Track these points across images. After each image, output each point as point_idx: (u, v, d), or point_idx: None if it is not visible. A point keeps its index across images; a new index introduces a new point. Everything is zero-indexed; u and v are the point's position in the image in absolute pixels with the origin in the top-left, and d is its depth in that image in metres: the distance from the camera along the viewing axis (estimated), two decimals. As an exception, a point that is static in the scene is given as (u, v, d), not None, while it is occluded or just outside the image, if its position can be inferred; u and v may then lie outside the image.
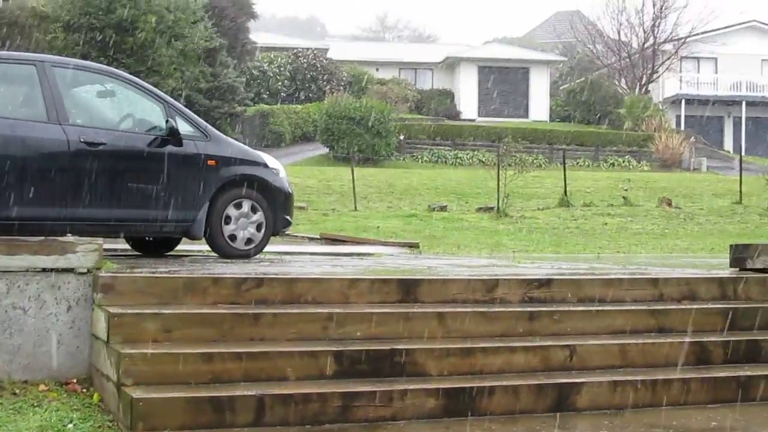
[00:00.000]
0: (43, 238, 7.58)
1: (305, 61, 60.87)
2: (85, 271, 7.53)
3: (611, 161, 53.09)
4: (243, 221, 11.55)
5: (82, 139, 10.40)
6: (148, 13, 33.63)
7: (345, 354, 7.10)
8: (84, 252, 7.54)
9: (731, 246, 10.06)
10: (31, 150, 10.17)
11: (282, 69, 59.81)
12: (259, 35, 57.71)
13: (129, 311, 7.13)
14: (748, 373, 7.96)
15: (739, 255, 9.76)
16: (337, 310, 7.60)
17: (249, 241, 11.62)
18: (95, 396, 7.09)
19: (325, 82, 60.22)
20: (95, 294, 7.44)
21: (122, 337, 6.95)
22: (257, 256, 11.77)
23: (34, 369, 7.35)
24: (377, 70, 67.08)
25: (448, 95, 67.20)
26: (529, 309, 8.21)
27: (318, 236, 19.86)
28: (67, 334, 7.45)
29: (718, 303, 9.02)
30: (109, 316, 7.03)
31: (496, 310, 8.12)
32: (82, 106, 11.17)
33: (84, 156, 10.39)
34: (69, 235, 8.24)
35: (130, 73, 13.41)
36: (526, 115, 66.40)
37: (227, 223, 11.45)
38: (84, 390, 7.24)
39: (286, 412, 6.52)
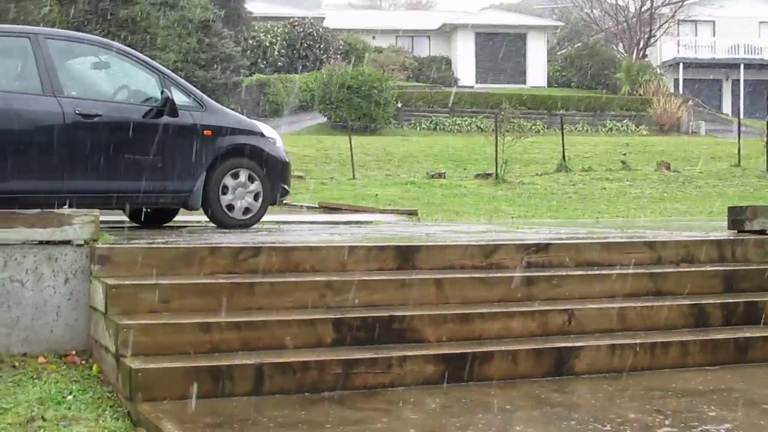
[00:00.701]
0: (39, 210, 7.56)
1: (301, 30, 60.66)
2: (82, 243, 7.52)
3: (609, 126, 53.05)
4: (240, 191, 11.54)
5: (77, 111, 10.37)
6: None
7: (343, 321, 7.10)
8: (81, 224, 7.53)
9: (729, 208, 10.05)
10: (27, 123, 10.13)
11: (278, 39, 59.62)
12: (255, 5, 57.56)
13: (126, 282, 7.13)
14: (747, 334, 7.97)
15: (737, 217, 9.76)
16: (335, 278, 7.60)
17: (246, 210, 11.60)
18: (94, 367, 7.09)
19: (321, 52, 60.04)
20: (92, 266, 7.43)
21: (120, 308, 6.94)
22: (255, 226, 11.75)
23: (32, 342, 7.35)
24: (374, 38, 66.89)
25: (446, 62, 67.02)
26: (527, 274, 8.20)
27: (316, 205, 19.86)
28: (65, 306, 7.45)
29: (717, 265, 9.02)
30: (106, 287, 7.02)
31: (495, 275, 8.12)
32: (76, 78, 11.13)
33: (79, 128, 10.36)
34: (65, 207, 8.20)
35: (125, 45, 13.35)
36: (523, 81, 66.25)
37: (224, 193, 11.43)
38: (83, 362, 7.24)
39: (284, 381, 6.52)
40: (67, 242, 7.49)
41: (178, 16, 35.86)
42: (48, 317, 7.40)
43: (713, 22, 67.02)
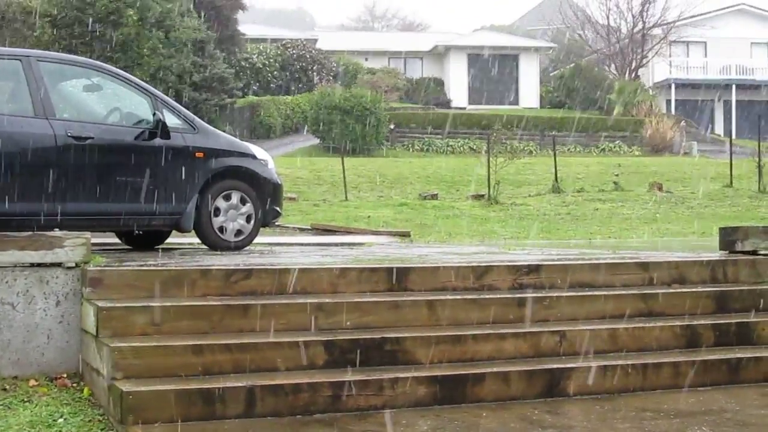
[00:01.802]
0: (30, 233, 7.56)
1: (294, 52, 60.80)
2: (74, 265, 7.51)
3: (602, 147, 53.14)
4: (232, 213, 11.54)
5: (69, 134, 10.37)
6: (131, 6, 33.57)
7: (335, 343, 7.10)
8: (72, 246, 7.52)
9: (720, 229, 10.07)
10: (18, 145, 10.12)
11: (271, 60, 59.72)
12: (248, 27, 57.72)
13: (118, 305, 7.12)
14: (739, 355, 7.97)
15: (729, 238, 9.77)
16: (327, 300, 7.59)
17: (239, 232, 11.60)
18: (85, 390, 7.08)
19: (314, 73, 60.18)
20: (84, 288, 7.42)
21: (111, 330, 6.93)
22: (247, 248, 11.75)
23: (23, 364, 7.33)
24: (366, 59, 67.04)
25: (438, 84, 67.16)
26: (518, 295, 8.21)
27: (308, 227, 19.84)
28: (57, 328, 7.44)
29: (708, 286, 9.02)
30: (98, 310, 7.01)
31: (486, 297, 8.12)
32: (68, 100, 11.15)
33: (71, 150, 10.36)
34: (57, 229, 8.20)
35: (117, 67, 13.38)
36: (516, 102, 66.39)
37: (216, 215, 11.43)
38: (74, 384, 7.23)
39: (276, 403, 6.51)
40: (59, 265, 7.48)
41: (171, 37, 35.88)
42: (39, 340, 7.38)
43: (705, 43, 67.24)
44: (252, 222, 11.69)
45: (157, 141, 10.95)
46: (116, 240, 12.53)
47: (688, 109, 64.80)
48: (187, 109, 12.08)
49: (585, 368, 7.36)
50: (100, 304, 7.07)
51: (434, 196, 28.97)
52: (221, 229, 11.48)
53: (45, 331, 7.41)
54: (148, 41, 34.51)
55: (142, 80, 12.28)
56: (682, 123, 56.66)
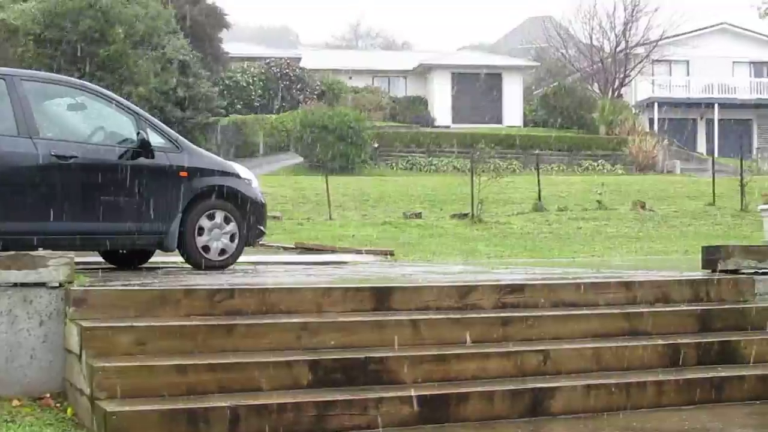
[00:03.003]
0: (13, 252, 7.54)
1: (278, 70, 60.81)
2: (57, 285, 7.50)
3: (585, 165, 53.24)
4: (216, 232, 11.54)
5: (53, 153, 10.37)
6: (115, 24, 33.56)
7: (319, 363, 7.10)
8: (55, 266, 7.51)
9: (703, 248, 10.10)
10: (2, 164, 10.12)
11: (255, 79, 59.74)
12: (232, 45, 57.69)
13: (101, 324, 7.11)
14: (722, 374, 8.00)
15: (711, 257, 9.80)
16: (311, 320, 7.59)
17: (222, 252, 11.60)
18: (69, 410, 7.06)
19: (298, 92, 60.18)
20: (67, 308, 7.41)
21: (95, 350, 6.92)
22: (231, 267, 11.74)
23: (6, 384, 7.31)
24: (350, 78, 67.06)
25: (422, 102, 67.21)
26: (502, 314, 8.22)
27: (293, 246, 19.84)
28: (40, 348, 7.42)
29: (691, 305, 9.04)
30: (81, 329, 7.00)
31: (470, 316, 8.13)
32: (52, 119, 11.15)
33: (55, 169, 10.36)
34: (41, 249, 8.18)
35: (102, 85, 13.38)
36: (500, 120, 66.43)
37: (200, 234, 11.43)
38: (58, 405, 7.21)
39: (260, 423, 6.51)
40: (42, 284, 7.46)
41: (155, 56, 35.89)
42: (22, 360, 7.37)
43: (687, 62, 67.49)
44: (236, 241, 11.69)
45: (141, 160, 10.96)
46: (100, 259, 12.51)
47: (671, 127, 64.95)
48: (171, 127, 12.11)
49: (569, 387, 7.38)
50: (84, 323, 7.07)
51: (418, 215, 28.99)
52: (205, 248, 11.48)
53: (28, 351, 7.39)
54: (133, 60, 34.50)
55: (127, 99, 12.27)
56: (665, 141, 56.83)
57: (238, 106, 57.59)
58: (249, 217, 11.85)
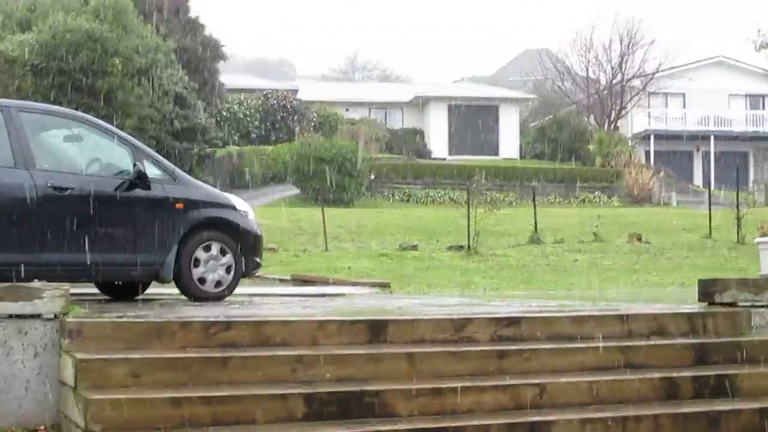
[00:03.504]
0: (9, 284, 7.54)
1: (275, 102, 60.93)
2: (52, 316, 7.49)
3: (582, 197, 53.28)
4: (212, 264, 11.52)
5: (49, 184, 10.38)
6: (116, 54, 33.61)
7: (314, 396, 7.09)
8: (51, 297, 7.50)
9: (699, 281, 10.09)
10: (-1, 195, 10.13)
11: (252, 110, 59.84)
12: (229, 77, 57.80)
13: (96, 356, 7.10)
14: (718, 408, 7.98)
15: (707, 290, 9.79)
16: (306, 352, 7.58)
17: (218, 283, 11.59)
18: (63, 443, 7.04)
19: (295, 123, 60.26)
20: (62, 339, 7.40)
21: (90, 382, 6.90)
22: (227, 299, 11.72)
23: (1, 415, 7.29)
24: (347, 110, 67.20)
25: (419, 134, 67.34)
26: (498, 348, 8.21)
27: (289, 277, 19.81)
28: (35, 380, 7.40)
29: (687, 338, 9.03)
30: (76, 361, 6.99)
31: (466, 349, 8.12)
32: (49, 150, 11.16)
33: (52, 201, 10.37)
34: (36, 280, 8.17)
35: (99, 117, 13.40)
36: (496, 152, 66.56)
37: (196, 265, 11.42)
38: (52, 437, 7.19)
39: (255, 456, 6.49)
40: (37, 316, 7.46)
41: (152, 87, 35.94)
42: (17, 391, 7.35)
43: (683, 94, 67.66)
44: (232, 273, 11.68)
45: (138, 192, 10.97)
46: (96, 290, 12.49)
47: (667, 159, 65.08)
48: (168, 158, 12.11)
49: (565, 421, 7.37)
50: (79, 355, 7.05)
51: (414, 247, 28.94)
52: (201, 279, 11.47)
53: (23, 383, 7.37)
54: (131, 91, 34.54)
55: (124, 131, 12.28)
56: (662, 174, 56.90)
57: (235, 138, 57.68)
58: (245, 248, 11.85)
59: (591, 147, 60.30)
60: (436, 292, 16.99)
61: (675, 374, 8.31)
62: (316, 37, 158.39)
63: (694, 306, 9.94)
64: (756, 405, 8.10)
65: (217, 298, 11.53)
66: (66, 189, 10.47)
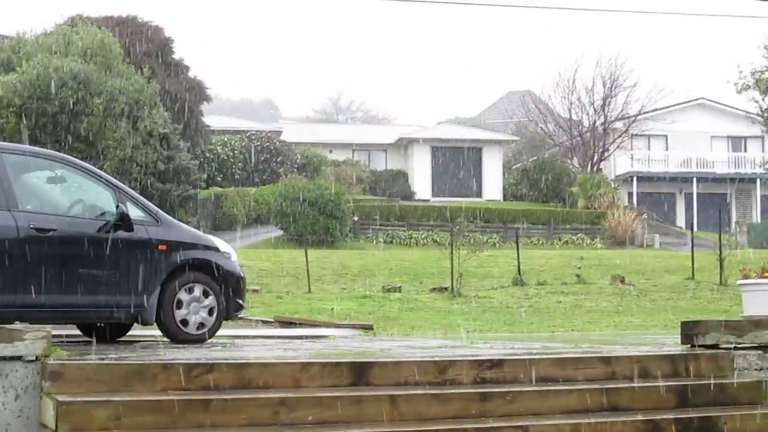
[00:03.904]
0: (-10, 326, 7.50)
1: (259, 143, 60.99)
2: (34, 358, 7.45)
3: (565, 239, 53.32)
4: (195, 306, 11.51)
5: (31, 225, 10.37)
6: (100, 95, 33.64)
7: (297, 439, 7.06)
8: (32, 339, 7.47)
9: (682, 323, 10.11)
10: (-20, 237, 10.11)
11: (236, 152, 59.87)
12: (213, 118, 57.89)
13: (78, 399, 7.06)
14: (701, 450, 7.97)
15: (690, 332, 9.80)
16: (289, 395, 7.56)
17: (201, 325, 11.57)
18: (43, 486, 7.00)
19: (278, 164, 60.30)
20: (44, 382, 7.36)
21: (70, 425, 6.87)
22: (209, 341, 11.70)
23: (-19, 459, 7.25)
24: (331, 151, 67.34)
25: (402, 176, 67.47)
26: (481, 390, 8.19)
27: (272, 319, 19.77)
28: (15, 423, 7.36)
29: (670, 380, 9.03)
30: (57, 404, 6.95)
31: (449, 391, 8.10)
32: (31, 192, 11.15)
33: (34, 242, 10.36)
34: (17, 322, 8.14)
35: (81, 158, 13.40)
36: (479, 194, 66.70)
37: (179, 307, 11.41)
38: (32, 480, 7.14)
39: (237, 500, 6.46)
40: (18, 358, 7.42)
41: (136, 128, 35.96)
42: (-3, 434, 7.31)
43: (666, 136, 67.95)
44: (214, 315, 11.67)
45: (120, 233, 10.97)
46: (77, 331, 12.45)
47: (650, 201, 65.30)
48: (151, 199, 12.12)
49: (548, 464, 7.35)
50: (60, 398, 7.02)
51: (398, 289, 28.92)
52: (183, 321, 11.45)
53: (3, 426, 7.32)
54: (114, 132, 34.55)
55: (107, 172, 12.30)
56: (644, 215, 57.03)
57: (219, 179, 57.65)
58: (228, 290, 11.84)
59: (574, 189, 60.43)
60: (419, 334, 16.98)
61: (658, 416, 8.30)
62: (300, 79, 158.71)
63: (677, 348, 9.95)
64: (739, 447, 8.10)
65: (200, 340, 11.51)
66: (48, 230, 10.46)
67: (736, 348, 9.55)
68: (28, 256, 10.32)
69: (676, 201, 68.14)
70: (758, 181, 66.33)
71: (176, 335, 11.45)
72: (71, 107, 33.47)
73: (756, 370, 9.50)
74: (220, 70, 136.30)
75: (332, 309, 23.42)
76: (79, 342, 11.62)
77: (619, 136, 66.52)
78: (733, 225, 59.84)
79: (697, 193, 65.57)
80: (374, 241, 50.56)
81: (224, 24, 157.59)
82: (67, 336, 11.94)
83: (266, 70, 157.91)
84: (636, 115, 66.03)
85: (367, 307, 24.47)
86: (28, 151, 11.64)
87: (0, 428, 7.31)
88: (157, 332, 11.95)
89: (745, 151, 69.10)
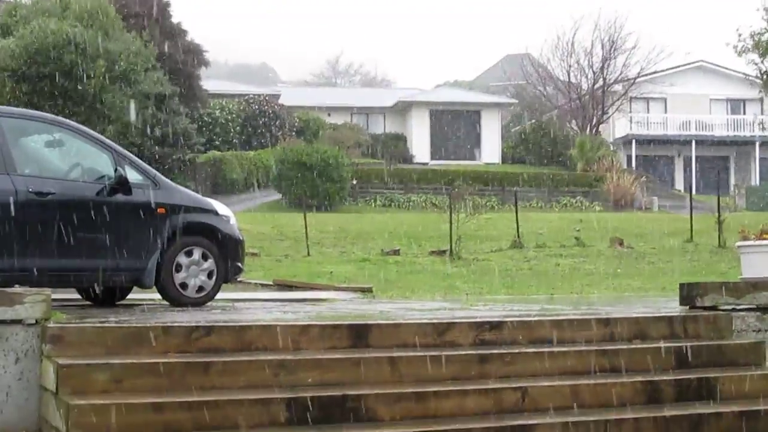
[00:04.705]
0: (-11, 290, 7.51)
1: (257, 107, 60.87)
2: (34, 322, 7.47)
3: (564, 202, 53.31)
4: (194, 269, 11.51)
5: (30, 189, 10.35)
6: (98, 59, 33.51)
7: (296, 401, 7.08)
8: (32, 303, 7.48)
9: (681, 285, 10.12)
10: (-21, 201, 10.10)
11: (234, 116, 59.76)
12: (211, 82, 57.69)
13: (78, 362, 7.08)
14: (700, 411, 8.00)
15: (688, 294, 9.82)
16: (288, 357, 7.57)
17: (200, 288, 11.57)
18: (44, 448, 7.02)
19: (277, 128, 60.21)
20: (44, 345, 7.38)
21: (71, 388, 6.88)
22: (209, 304, 11.71)
23: (-19, 422, 7.27)
24: (329, 115, 67.22)
25: (401, 139, 67.41)
26: (480, 352, 8.21)
27: (271, 282, 19.79)
28: (16, 386, 7.38)
29: (669, 342, 9.05)
30: (57, 367, 6.97)
31: (448, 353, 8.12)
32: (30, 156, 11.13)
33: (32, 206, 10.34)
34: (17, 285, 8.15)
35: (80, 122, 13.37)
36: (478, 157, 66.67)
37: (178, 271, 11.40)
38: (33, 442, 7.17)
39: (237, 461, 6.48)
40: (18, 321, 7.43)
41: (134, 91, 35.85)
42: (-2, 397, 7.33)
43: (665, 99, 67.84)
44: (214, 278, 11.67)
45: (119, 197, 10.95)
46: (77, 295, 12.46)
47: (648, 164, 65.32)
48: (150, 164, 12.09)
49: (547, 425, 7.38)
50: (60, 361, 7.03)
51: (396, 252, 28.91)
52: (183, 285, 11.45)
53: (4, 388, 7.34)
54: (111, 95, 34.43)
55: (107, 136, 12.26)
56: (643, 178, 57.00)
57: (217, 143, 57.56)
58: (227, 254, 11.84)
59: (573, 152, 60.35)
60: (418, 297, 16.99)
61: (656, 378, 8.33)
62: (298, 42, 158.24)
63: (675, 310, 9.97)
64: (737, 408, 8.12)
65: (199, 303, 11.52)
66: (47, 194, 10.45)
67: (734, 310, 9.57)
68: (27, 220, 10.31)
69: (674, 164, 68.12)
70: (757, 144, 66.32)
71: (175, 298, 11.45)
72: (70, 71, 33.33)
73: (754, 331, 9.52)
74: (217, 34, 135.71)
75: (331, 272, 23.44)
76: (78, 306, 11.64)
77: (618, 99, 66.41)
78: (731, 188, 59.89)
79: (696, 156, 65.57)
80: (373, 205, 50.57)
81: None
82: (67, 300, 11.97)
83: (263, 34, 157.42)
84: (635, 78, 65.90)
85: (366, 270, 24.48)
86: (26, 115, 11.57)
87: (1, 391, 7.33)
88: (157, 296, 11.95)
89: (744, 113, 68.96)
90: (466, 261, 26.96)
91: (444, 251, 28.47)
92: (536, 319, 9.10)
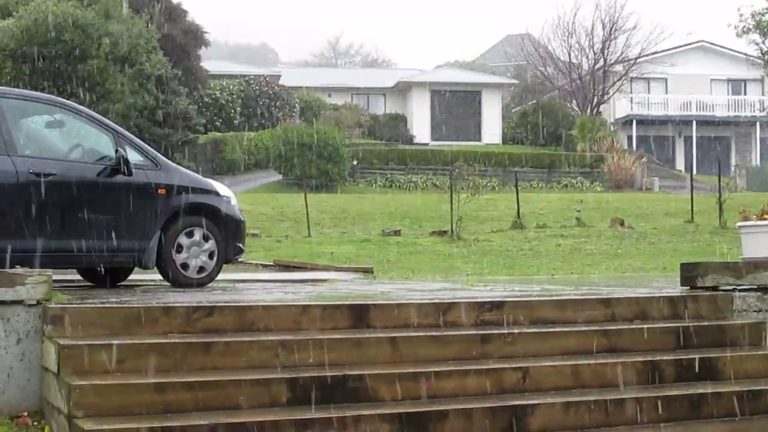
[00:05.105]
0: (-9, 270, 7.52)
1: (257, 88, 60.77)
2: (35, 302, 7.48)
3: (564, 182, 53.28)
4: (195, 249, 11.52)
5: (31, 170, 10.35)
6: (102, 37, 33.45)
7: (297, 381, 7.09)
8: (33, 284, 7.49)
9: (681, 265, 10.12)
10: (-21, 182, 10.10)
11: (234, 96, 59.66)
12: (211, 63, 57.61)
13: (79, 342, 7.08)
14: (700, 390, 8.01)
15: (689, 274, 9.82)
16: (289, 337, 7.58)
17: (201, 269, 11.58)
18: (46, 429, 7.04)
19: (277, 109, 60.13)
20: (45, 326, 7.39)
21: (73, 368, 6.89)
22: (210, 285, 11.72)
23: (-17, 402, 7.28)
24: (329, 95, 67.13)
25: (401, 120, 67.33)
26: (481, 332, 8.22)
27: (271, 263, 19.81)
28: (17, 366, 7.39)
29: (670, 322, 9.06)
30: (59, 347, 6.98)
31: (449, 333, 8.13)
32: (30, 136, 11.12)
33: (33, 187, 10.33)
34: (18, 266, 8.15)
35: (80, 103, 13.35)
36: (479, 138, 66.60)
37: (179, 251, 11.41)
38: (35, 423, 7.18)
39: (239, 441, 6.49)
40: (20, 302, 7.44)
41: (134, 71, 35.82)
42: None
43: (665, 79, 67.74)
44: (215, 259, 11.68)
45: (120, 178, 10.94)
46: (78, 276, 12.47)
47: (649, 144, 65.23)
48: (150, 144, 12.08)
49: (548, 405, 7.39)
50: (62, 341, 7.04)
51: (397, 233, 28.93)
52: (184, 265, 11.46)
53: (5, 369, 7.36)
54: (115, 78, 34.41)
55: (109, 117, 12.25)
56: (644, 159, 56.94)
57: (217, 124, 57.48)
58: (228, 234, 11.85)
59: (573, 132, 60.25)
60: (419, 277, 17.01)
61: (657, 358, 8.34)
62: (298, 23, 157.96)
63: (676, 290, 9.98)
64: (737, 388, 8.13)
65: (200, 284, 11.53)
66: (48, 175, 10.44)
67: (735, 290, 9.58)
68: (27, 201, 10.31)
69: (675, 144, 68.05)
70: (758, 124, 66.27)
71: (177, 279, 11.46)
72: (71, 52, 33.29)
73: (755, 311, 9.53)
74: (217, 14, 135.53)
75: (332, 253, 23.47)
76: (80, 287, 11.66)
77: (619, 80, 66.29)
78: (732, 168, 59.81)
79: (697, 137, 65.51)
80: (373, 185, 50.55)
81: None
82: (69, 281, 11.98)
83: (263, 14, 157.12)
84: (636, 58, 65.76)
85: (367, 250, 24.50)
86: (26, 96, 11.57)
87: (2, 371, 7.35)
88: (158, 276, 11.97)
89: (745, 94, 68.89)
90: (467, 242, 26.98)
91: (445, 232, 28.48)
92: (537, 299, 9.11)
